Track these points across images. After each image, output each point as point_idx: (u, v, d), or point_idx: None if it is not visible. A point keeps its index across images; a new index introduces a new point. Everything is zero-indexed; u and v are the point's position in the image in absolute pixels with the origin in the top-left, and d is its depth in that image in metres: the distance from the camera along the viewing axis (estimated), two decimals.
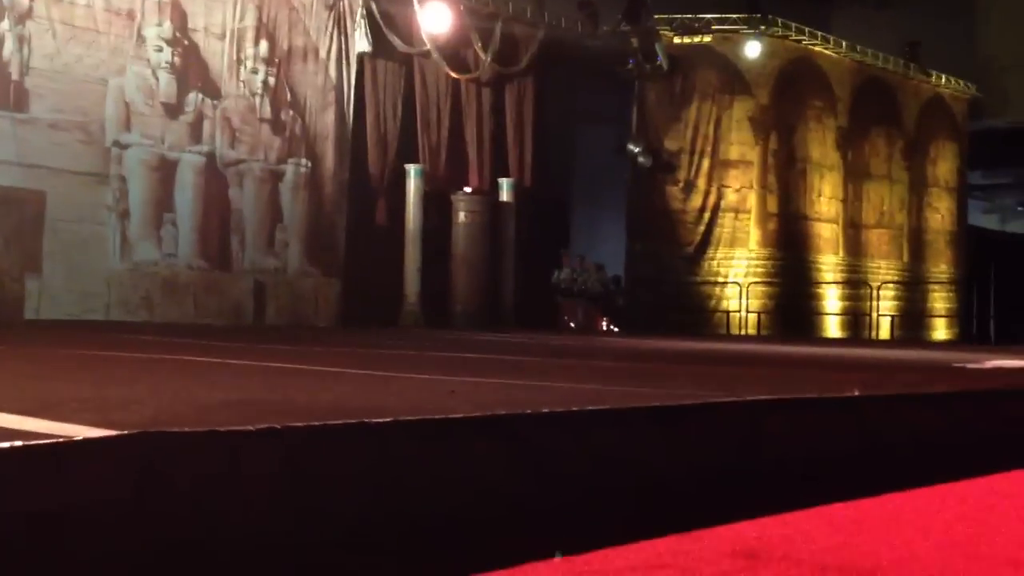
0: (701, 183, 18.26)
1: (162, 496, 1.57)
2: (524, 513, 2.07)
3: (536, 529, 2.02)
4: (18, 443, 1.50)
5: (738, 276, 18.18)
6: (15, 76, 12.18)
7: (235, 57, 14.12)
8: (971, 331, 21.50)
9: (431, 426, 2.09)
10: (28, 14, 12.25)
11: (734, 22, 18.31)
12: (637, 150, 17.94)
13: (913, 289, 21.20)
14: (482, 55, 16.54)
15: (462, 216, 15.97)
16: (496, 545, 1.91)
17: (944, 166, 22.37)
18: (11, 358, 5.27)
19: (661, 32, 17.85)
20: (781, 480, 2.63)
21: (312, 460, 1.82)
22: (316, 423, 1.91)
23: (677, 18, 18.05)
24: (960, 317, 22.05)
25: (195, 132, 13.72)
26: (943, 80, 21.89)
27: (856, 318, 19.83)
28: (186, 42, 13.62)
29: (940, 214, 22.22)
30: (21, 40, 12.20)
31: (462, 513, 1.97)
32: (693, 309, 18.08)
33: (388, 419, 2.02)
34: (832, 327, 19.47)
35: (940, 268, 22.09)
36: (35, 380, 3.73)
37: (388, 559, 1.79)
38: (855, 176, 20.32)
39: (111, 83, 12.93)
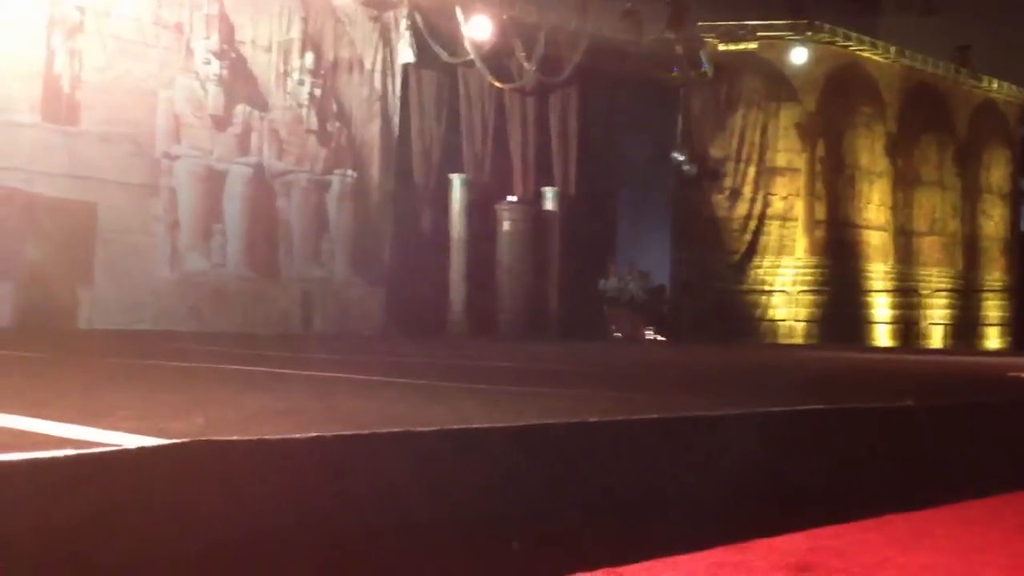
0: (747, 191, 18.12)
1: (211, 503, 1.58)
2: (569, 524, 2.06)
3: (581, 540, 2.00)
4: (71, 451, 1.51)
5: (785, 284, 18.00)
6: (66, 89, 12.41)
7: (282, 69, 14.27)
8: None
9: (475, 434, 2.08)
10: (79, 28, 12.48)
11: (780, 28, 18.16)
12: (682, 158, 17.85)
13: (966, 297, 20.86)
14: (526, 64, 16.56)
15: (507, 225, 15.98)
16: (539, 556, 1.90)
17: (997, 172, 22.01)
18: (63, 367, 5.35)
19: (705, 39, 17.76)
20: (834, 491, 2.59)
21: (359, 468, 1.82)
22: (363, 431, 1.91)
23: (721, 25, 17.94)
24: (1014, 325, 21.66)
25: (243, 144, 13.87)
26: (994, 85, 21.55)
27: (907, 327, 19.55)
28: (233, 55, 13.79)
29: (993, 221, 21.87)
30: (72, 54, 12.42)
31: (503, 523, 1.96)
32: (740, 318, 17.92)
33: (433, 428, 2.02)
34: (882, 336, 19.21)
35: (994, 276, 21.72)
36: (87, 389, 3.78)
37: (432, 567, 1.78)
38: (905, 183, 20.05)
39: (160, 95, 13.12)
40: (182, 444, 1.61)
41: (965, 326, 20.68)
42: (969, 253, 21.22)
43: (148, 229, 13.02)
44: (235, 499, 1.60)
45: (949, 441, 3.07)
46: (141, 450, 1.59)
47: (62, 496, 1.45)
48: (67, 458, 1.48)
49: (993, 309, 21.61)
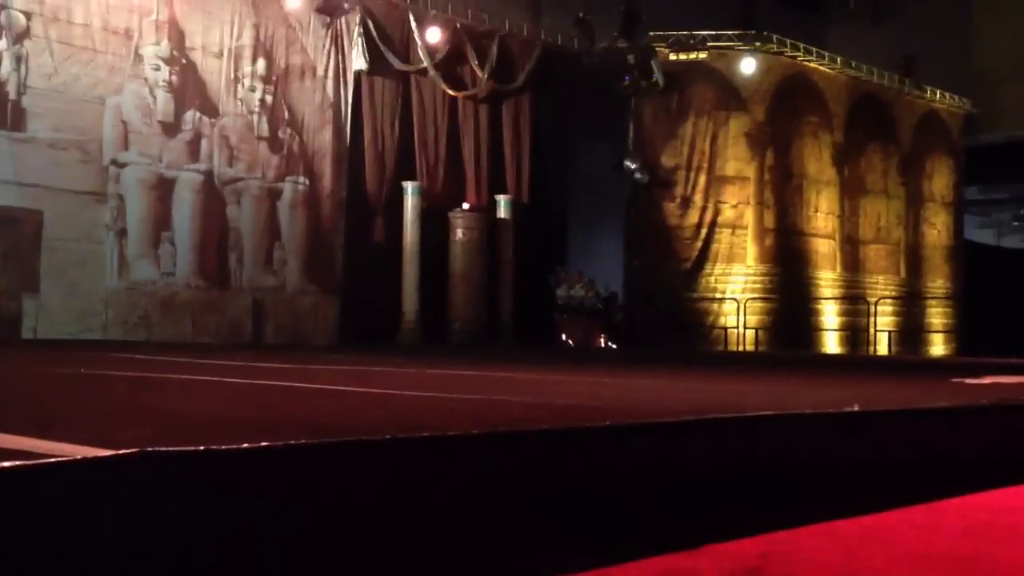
0: (698, 199, 18.29)
1: (159, 514, 1.56)
2: (523, 530, 2.06)
3: (535, 547, 2.00)
4: (17, 463, 1.49)
5: (735, 292, 18.18)
6: (12, 96, 12.21)
7: (233, 75, 14.15)
8: (968, 345, 21.47)
9: (430, 443, 2.08)
10: (26, 33, 12.29)
11: (729, 39, 18.37)
12: (634, 166, 17.97)
13: (911, 304, 21.20)
14: (479, 72, 16.60)
15: (460, 233, 15.99)
16: (495, 562, 1.90)
17: (940, 181, 22.41)
18: (8, 378, 5.26)
19: (657, 49, 17.91)
20: (783, 496, 2.62)
21: (310, 478, 1.81)
22: (314, 441, 1.90)
23: (673, 35, 18.11)
24: (957, 332, 22.05)
25: (193, 150, 13.74)
26: (938, 95, 21.96)
27: (854, 334, 19.82)
28: (184, 61, 13.65)
29: (937, 229, 22.26)
30: (19, 59, 12.23)
31: (459, 530, 1.96)
32: (691, 325, 18.06)
33: (386, 436, 2.01)
34: (831, 343, 19.46)
35: (937, 283, 22.10)
36: (32, 399, 3.71)
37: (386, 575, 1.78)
38: (851, 191, 20.36)
39: (109, 102, 12.96)
40: (129, 455, 1.59)
41: (911, 333, 21.02)
42: (913, 261, 21.59)
43: (96, 237, 12.84)
44: (182, 510, 1.59)
45: (895, 446, 3.11)
46: (86, 460, 1.57)
47: (8, 508, 1.42)
48: (9, 469, 1.46)
49: (937, 316, 21.97)
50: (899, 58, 21.06)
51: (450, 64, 16.34)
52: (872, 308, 19.68)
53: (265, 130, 14.47)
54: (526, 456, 2.19)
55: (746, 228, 18.38)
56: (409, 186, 15.62)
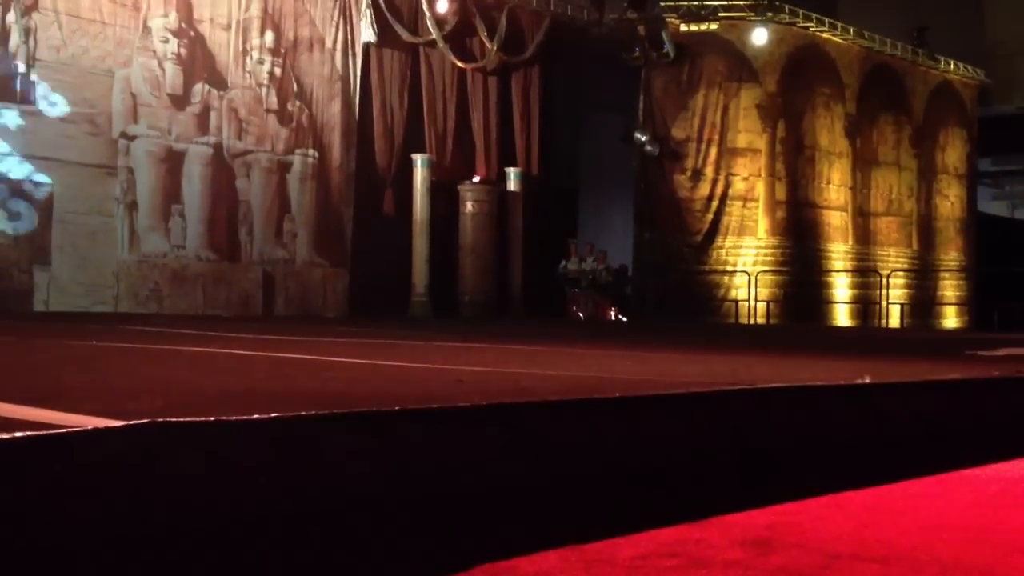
0: (709, 171, 18.20)
1: (167, 485, 1.56)
2: (532, 502, 2.06)
3: (544, 518, 2.01)
4: (27, 432, 1.49)
5: (747, 265, 18.13)
6: (21, 68, 12.20)
7: (241, 48, 14.11)
8: (981, 319, 21.40)
9: (438, 415, 2.08)
10: (34, 6, 12.26)
11: (741, 9, 18.22)
12: (644, 138, 17.88)
13: (923, 277, 21.12)
14: (488, 44, 16.51)
15: (469, 206, 15.97)
16: (504, 534, 1.91)
17: (953, 153, 22.26)
18: (20, 349, 5.28)
19: (667, 19, 17.77)
20: (792, 468, 2.61)
21: (318, 449, 1.81)
22: (323, 412, 1.90)
23: (683, 5, 17.97)
24: (970, 305, 21.97)
25: (202, 123, 13.72)
26: (952, 66, 21.77)
27: (866, 306, 19.77)
28: (192, 33, 13.61)
29: (949, 201, 22.14)
30: (27, 32, 12.21)
31: (470, 502, 1.96)
32: (702, 298, 18.04)
33: (395, 408, 2.01)
34: (842, 315, 19.42)
35: (950, 256, 22.01)
36: (43, 371, 3.73)
37: (394, 548, 1.78)
38: (864, 163, 20.25)
39: (117, 75, 12.94)
40: (139, 425, 1.60)
41: (923, 305, 20.95)
42: (925, 233, 21.49)
43: (106, 210, 12.87)
44: (191, 480, 1.59)
45: (905, 418, 3.11)
46: (96, 431, 1.57)
47: (17, 477, 1.43)
48: (21, 439, 1.46)
49: (950, 289, 21.89)
50: (911, 29, 20.87)
51: (459, 36, 16.25)
52: (884, 280, 19.61)
53: (274, 103, 14.44)
54: (533, 427, 2.19)
55: (757, 200, 18.30)
56: (418, 159, 15.59)
